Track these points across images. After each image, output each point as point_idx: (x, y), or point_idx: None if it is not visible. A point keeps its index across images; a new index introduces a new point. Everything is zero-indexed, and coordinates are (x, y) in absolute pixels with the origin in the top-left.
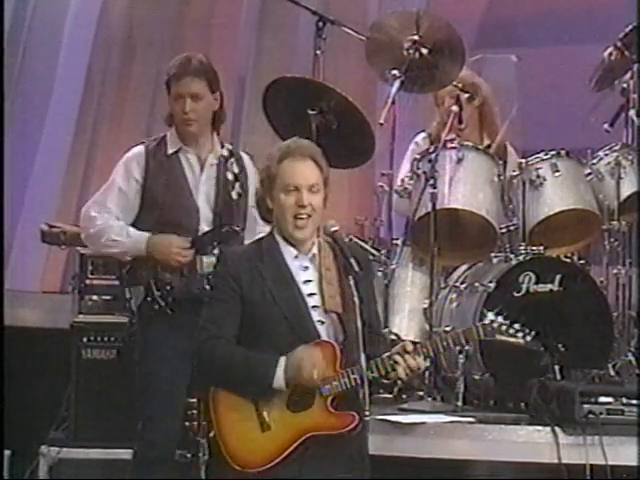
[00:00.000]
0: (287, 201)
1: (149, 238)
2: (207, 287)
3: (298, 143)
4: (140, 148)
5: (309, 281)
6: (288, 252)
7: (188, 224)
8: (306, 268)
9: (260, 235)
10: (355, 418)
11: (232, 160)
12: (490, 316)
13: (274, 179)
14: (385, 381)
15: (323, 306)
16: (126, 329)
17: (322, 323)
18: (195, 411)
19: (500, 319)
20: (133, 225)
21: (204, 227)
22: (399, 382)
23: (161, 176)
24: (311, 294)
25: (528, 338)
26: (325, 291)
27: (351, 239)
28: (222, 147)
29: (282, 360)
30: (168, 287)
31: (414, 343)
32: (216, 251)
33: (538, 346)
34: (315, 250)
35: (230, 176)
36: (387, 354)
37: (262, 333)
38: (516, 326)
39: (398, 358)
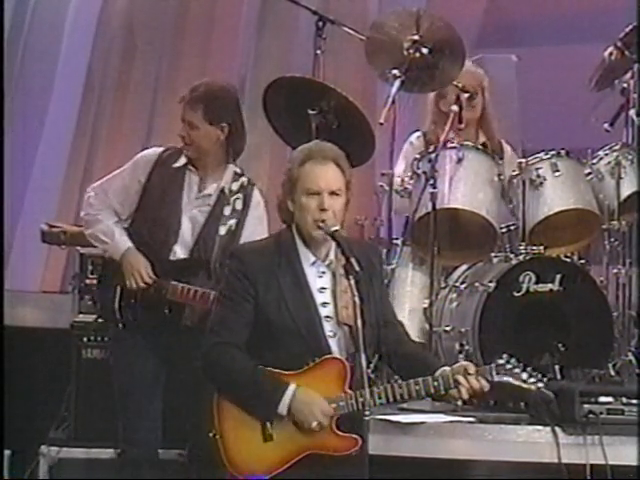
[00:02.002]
0: (309, 204)
1: (126, 250)
2: (167, 312)
3: (320, 146)
4: (155, 151)
5: (324, 289)
6: (306, 257)
7: (163, 240)
8: (323, 274)
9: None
10: (358, 441)
11: (238, 195)
12: (504, 358)
13: (295, 182)
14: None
15: (336, 317)
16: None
17: (334, 336)
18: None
19: (513, 362)
20: (132, 224)
21: (178, 249)
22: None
23: (162, 185)
24: (324, 303)
25: (540, 384)
26: (339, 301)
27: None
28: (237, 179)
29: (291, 389)
30: (132, 300)
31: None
32: (186, 282)
33: (549, 396)
34: (332, 256)
35: (227, 211)
36: (447, 371)
37: (272, 342)
38: (529, 371)
39: (461, 379)
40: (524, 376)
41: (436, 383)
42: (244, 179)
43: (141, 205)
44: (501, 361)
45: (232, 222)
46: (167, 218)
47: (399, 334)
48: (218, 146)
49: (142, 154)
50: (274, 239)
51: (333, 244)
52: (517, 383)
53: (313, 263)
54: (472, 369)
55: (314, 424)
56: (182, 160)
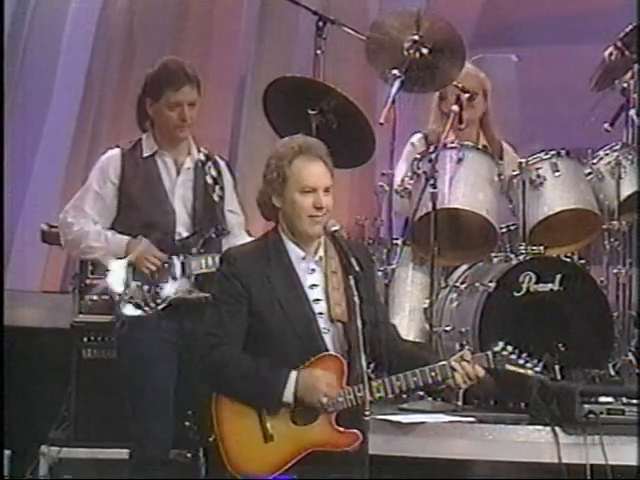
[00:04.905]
0: (304, 202)
1: (128, 241)
2: (197, 286)
3: (309, 142)
4: (116, 151)
5: (315, 285)
6: (295, 253)
7: (164, 226)
8: (313, 271)
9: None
10: (358, 437)
11: (209, 164)
12: (500, 345)
13: (286, 179)
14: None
15: (329, 314)
16: (115, 331)
17: (327, 332)
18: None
19: (510, 348)
20: (112, 228)
21: (181, 230)
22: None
23: (137, 179)
24: (317, 300)
25: (537, 369)
26: (331, 298)
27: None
28: (199, 151)
29: (293, 375)
30: (159, 287)
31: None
32: (203, 253)
33: (546, 381)
34: (322, 252)
35: (209, 179)
36: (443, 362)
37: (268, 341)
38: (525, 357)
39: (456, 365)
40: (521, 361)
41: (434, 373)
42: (204, 149)
43: (122, 205)
44: (497, 348)
45: (217, 188)
46: (158, 207)
47: (391, 333)
48: None
49: (103, 159)
50: (262, 240)
51: (322, 240)
52: (513, 369)
53: (303, 258)
54: (469, 356)
55: (324, 400)
56: (151, 148)
